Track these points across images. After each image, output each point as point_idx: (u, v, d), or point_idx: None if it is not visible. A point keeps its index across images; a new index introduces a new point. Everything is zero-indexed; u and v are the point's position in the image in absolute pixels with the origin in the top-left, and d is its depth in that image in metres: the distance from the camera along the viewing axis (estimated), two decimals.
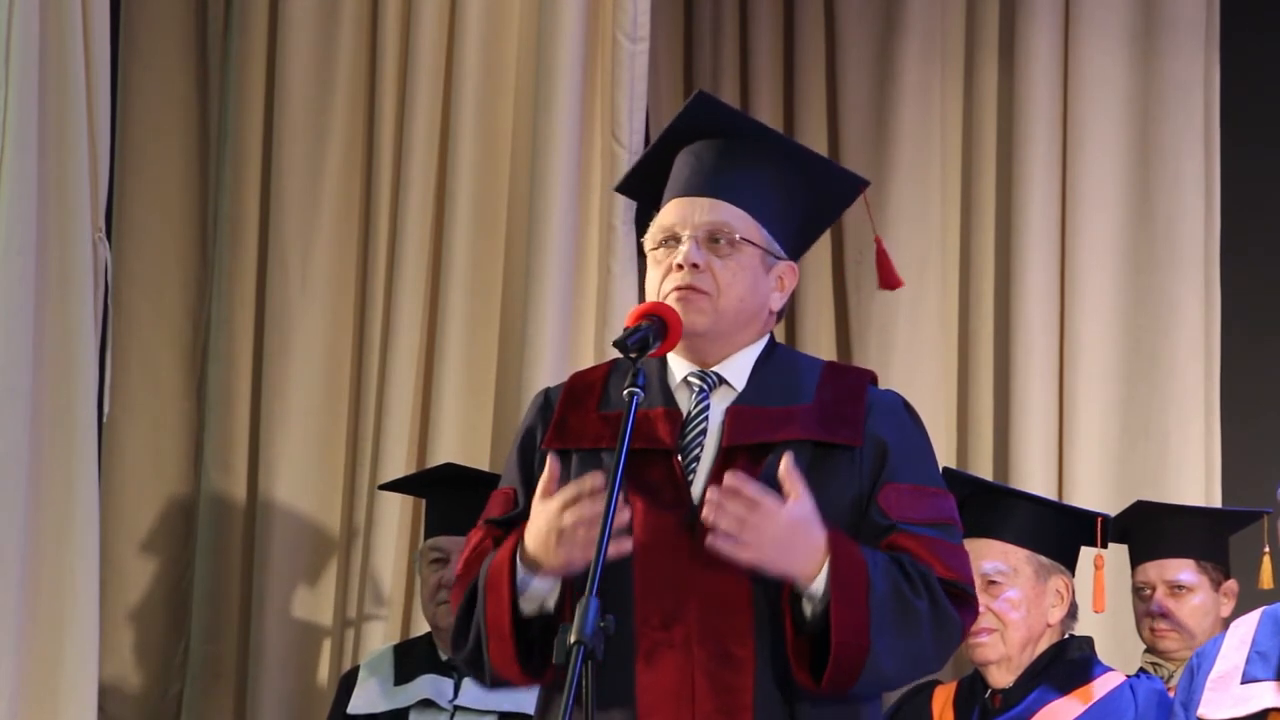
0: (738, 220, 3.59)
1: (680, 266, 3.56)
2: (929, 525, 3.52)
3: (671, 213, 3.62)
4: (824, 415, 3.54)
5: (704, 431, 3.56)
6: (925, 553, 3.49)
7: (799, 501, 3.40)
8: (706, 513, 3.35)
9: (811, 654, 3.43)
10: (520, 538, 3.49)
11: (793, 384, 3.59)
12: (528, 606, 3.48)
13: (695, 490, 3.51)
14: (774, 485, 3.45)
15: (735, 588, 3.47)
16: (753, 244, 3.59)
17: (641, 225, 3.84)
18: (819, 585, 3.41)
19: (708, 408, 3.58)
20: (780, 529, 3.37)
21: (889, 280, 3.89)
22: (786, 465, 3.41)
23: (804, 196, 3.69)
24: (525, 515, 3.57)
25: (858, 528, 3.51)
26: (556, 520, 3.40)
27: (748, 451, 3.52)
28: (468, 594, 3.56)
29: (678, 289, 3.55)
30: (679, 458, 3.53)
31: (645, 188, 3.80)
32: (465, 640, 3.56)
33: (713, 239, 3.58)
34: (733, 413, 3.56)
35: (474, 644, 3.53)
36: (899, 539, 3.49)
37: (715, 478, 3.48)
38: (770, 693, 3.45)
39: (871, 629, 3.39)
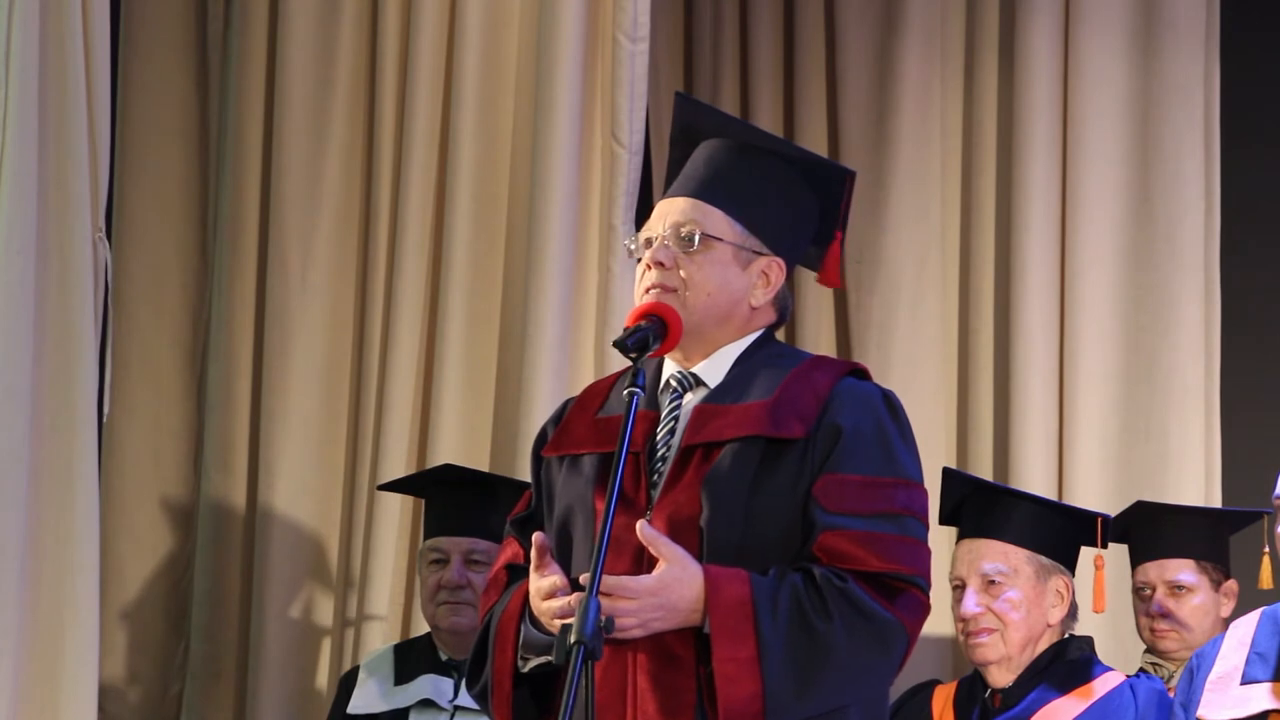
0: (707, 218, 3.64)
1: (650, 266, 3.62)
2: (870, 517, 3.49)
3: (652, 216, 3.70)
4: (777, 410, 3.54)
5: (672, 431, 3.60)
6: (852, 549, 3.46)
7: (667, 565, 3.42)
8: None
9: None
10: (525, 595, 3.55)
11: (765, 379, 3.60)
12: (532, 656, 3.54)
13: (658, 491, 3.54)
14: (718, 484, 3.49)
15: None
16: (723, 240, 3.62)
17: (641, 225, 3.88)
18: (707, 629, 3.43)
19: (678, 408, 3.61)
20: (650, 600, 3.41)
21: (830, 277, 3.88)
22: (641, 529, 3.43)
23: (793, 192, 3.71)
24: (538, 517, 3.68)
25: None
26: (539, 605, 3.48)
27: (702, 450, 3.54)
28: (483, 629, 3.63)
29: (647, 289, 3.62)
30: (644, 458, 3.56)
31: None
32: (478, 677, 3.64)
33: (681, 237, 3.63)
34: (696, 412, 3.59)
35: (484, 686, 3.62)
36: (826, 539, 3.47)
37: (671, 477, 3.53)
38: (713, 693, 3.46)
39: (764, 669, 3.39)
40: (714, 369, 3.64)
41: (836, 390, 3.58)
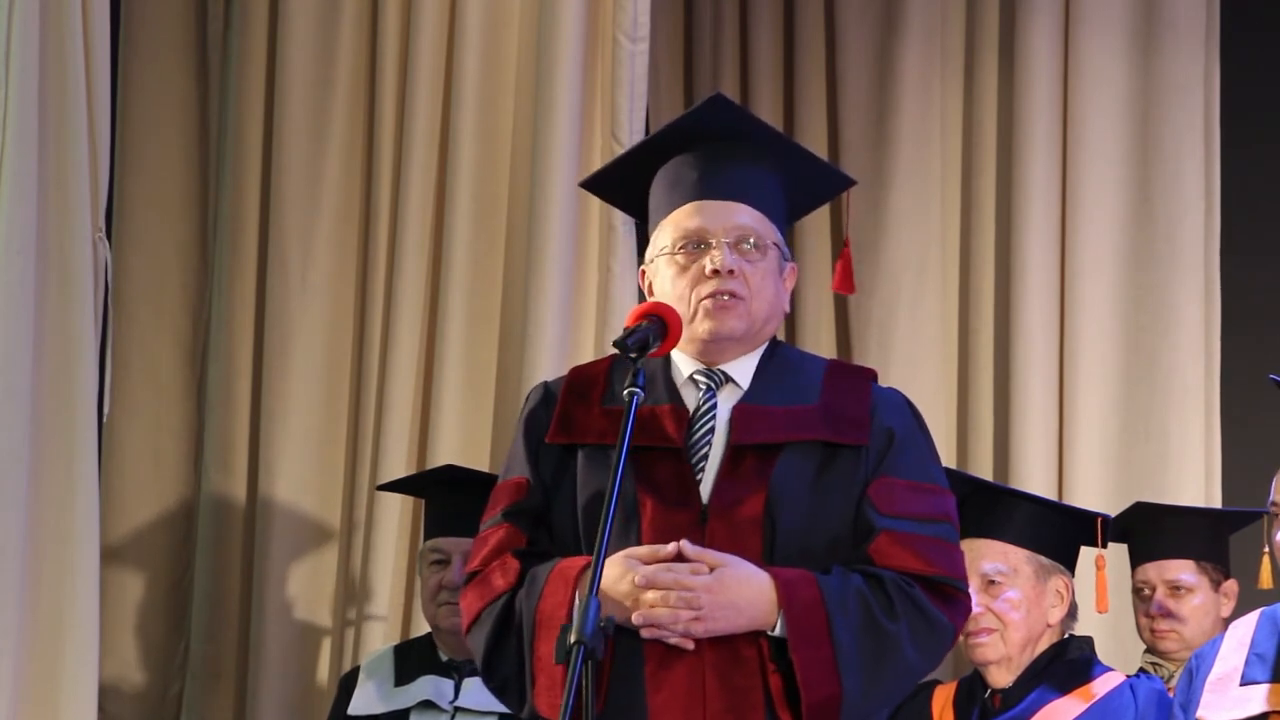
0: (760, 224, 3.62)
1: (716, 272, 3.56)
2: (920, 521, 3.55)
3: (695, 215, 3.62)
4: (831, 415, 3.57)
5: (711, 430, 3.57)
6: (909, 552, 3.51)
7: (726, 565, 3.42)
8: (641, 617, 3.40)
9: (790, 694, 3.45)
10: (576, 581, 3.49)
11: (797, 383, 3.62)
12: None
13: (704, 489, 3.53)
14: (782, 487, 3.50)
15: None
16: (775, 247, 3.62)
17: (642, 225, 3.83)
18: (779, 631, 3.44)
19: (715, 405, 3.59)
20: (708, 597, 3.40)
21: (844, 284, 3.91)
22: (685, 547, 3.42)
23: (798, 195, 3.71)
24: (542, 505, 3.61)
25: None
26: (639, 595, 3.43)
27: (755, 451, 3.54)
28: (501, 615, 3.55)
29: (716, 295, 3.57)
30: (685, 455, 3.54)
31: (619, 188, 3.79)
32: (495, 670, 3.57)
33: (746, 243, 3.59)
34: (739, 411, 3.58)
35: (512, 676, 3.55)
36: (883, 541, 3.51)
37: (724, 476, 3.52)
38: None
39: (841, 670, 3.42)
40: (743, 368, 3.63)
41: (874, 398, 3.63)
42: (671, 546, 3.43)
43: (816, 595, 3.43)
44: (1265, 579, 4.95)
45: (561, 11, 5.67)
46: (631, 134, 5.68)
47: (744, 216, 3.61)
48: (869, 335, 6.62)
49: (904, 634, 3.47)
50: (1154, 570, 5.33)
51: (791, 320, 6.74)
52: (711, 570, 3.42)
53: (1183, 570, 5.31)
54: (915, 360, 6.53)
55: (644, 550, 3.45)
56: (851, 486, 3.55)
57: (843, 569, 3.49)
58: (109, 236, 5.01)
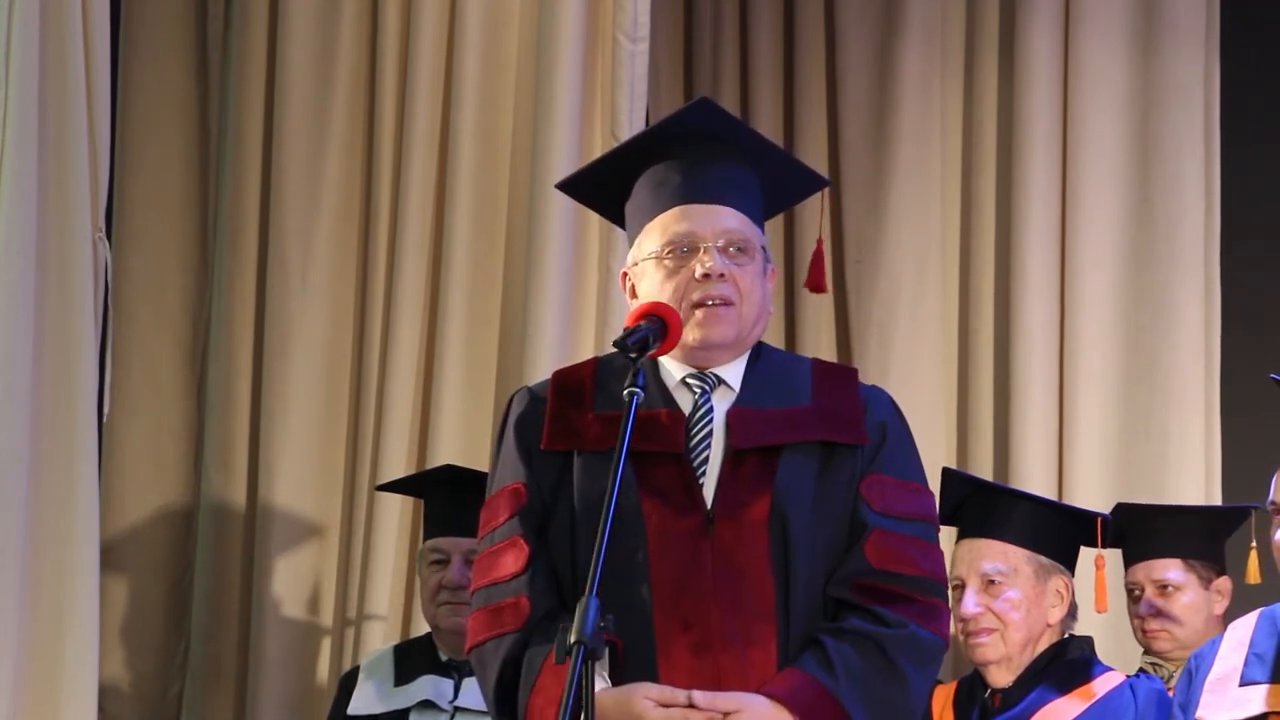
0: (747, 227, 3.62)
1: (706, 276, 3.55)
2: (908, 520, 3.57)
3: (682, 219, 3.60)
4: (827, 416, 3.58)
5: (709, 433, 3.57)
6: (899, 553, 3.54)
7: (739, 712, 3.42)
8: None
9: None
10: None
11: (786, 384, 3.62)
12: None
13: (706, 493, 3.53)
14: (788, 488, 3.51)
15: (757, 590, 3.50)
16: (761, 250, 3.62)
17: (618, 227, 3.82)
18: None
19: (711, 409, 3.58)
20: None
21: (816, 282, 3.92)
22: (695, 697, 3.42)
23: (774, 196, 3.72)
24: (541, 510, 3.60)
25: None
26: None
27: (757, 454, 3.53)
28: (501, 673, 3.54)
29: (708, 300, 3.56)
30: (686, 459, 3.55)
31: (598, 190, 3.78)
32: None
33: (735, 248, 3.59)
34: (735, 414, 3.57)
35: None
36: (876, 539, 3.53)
37: (727, 480, 3.52)
38: None
39: None
40: (733, 371, 3.63)
41: (864, 395, 3.64)
42: (683, 696, 3.42)
43: (837, 708, 3.45)
44: (1252, 573, 4.95)
45: (561, 11, 5.67)
46: (631, 134, 5.68)
47: (731, 220, 3.60)
48: (869, 335, 6.62)
49: (912, 687, 3.51)
50: (1142, 571, 5.33)
51: (791, 320, 6.75)
52: (726, 718, 3.42)
53: (1169, 569, 5.30)
54: (915, 360, 6.53)
55: (655, 692, 3.44)
56: (851, 484, 3.57)
57: (834, 641, 3.49)
58: (109, 236, 5.01)
